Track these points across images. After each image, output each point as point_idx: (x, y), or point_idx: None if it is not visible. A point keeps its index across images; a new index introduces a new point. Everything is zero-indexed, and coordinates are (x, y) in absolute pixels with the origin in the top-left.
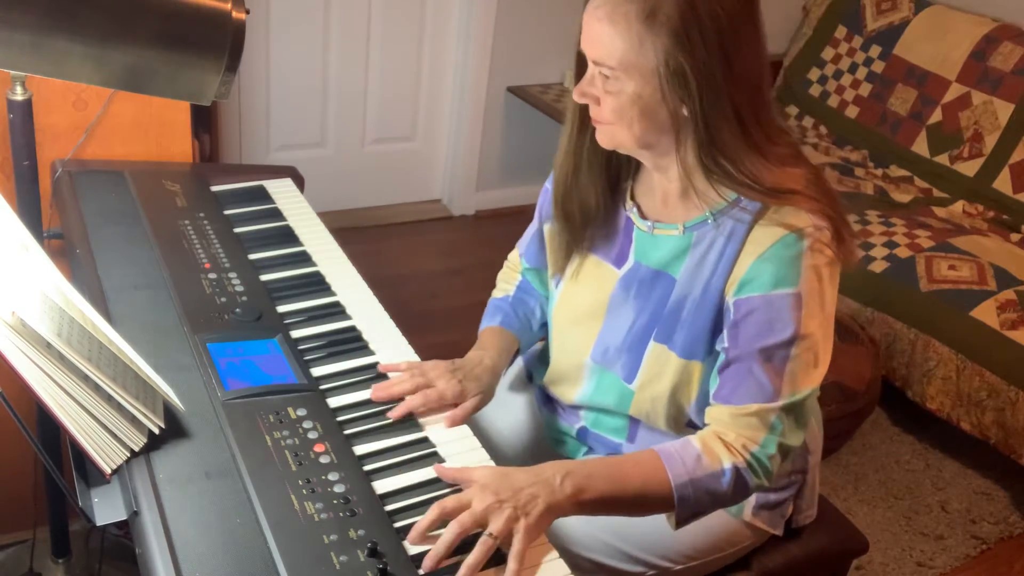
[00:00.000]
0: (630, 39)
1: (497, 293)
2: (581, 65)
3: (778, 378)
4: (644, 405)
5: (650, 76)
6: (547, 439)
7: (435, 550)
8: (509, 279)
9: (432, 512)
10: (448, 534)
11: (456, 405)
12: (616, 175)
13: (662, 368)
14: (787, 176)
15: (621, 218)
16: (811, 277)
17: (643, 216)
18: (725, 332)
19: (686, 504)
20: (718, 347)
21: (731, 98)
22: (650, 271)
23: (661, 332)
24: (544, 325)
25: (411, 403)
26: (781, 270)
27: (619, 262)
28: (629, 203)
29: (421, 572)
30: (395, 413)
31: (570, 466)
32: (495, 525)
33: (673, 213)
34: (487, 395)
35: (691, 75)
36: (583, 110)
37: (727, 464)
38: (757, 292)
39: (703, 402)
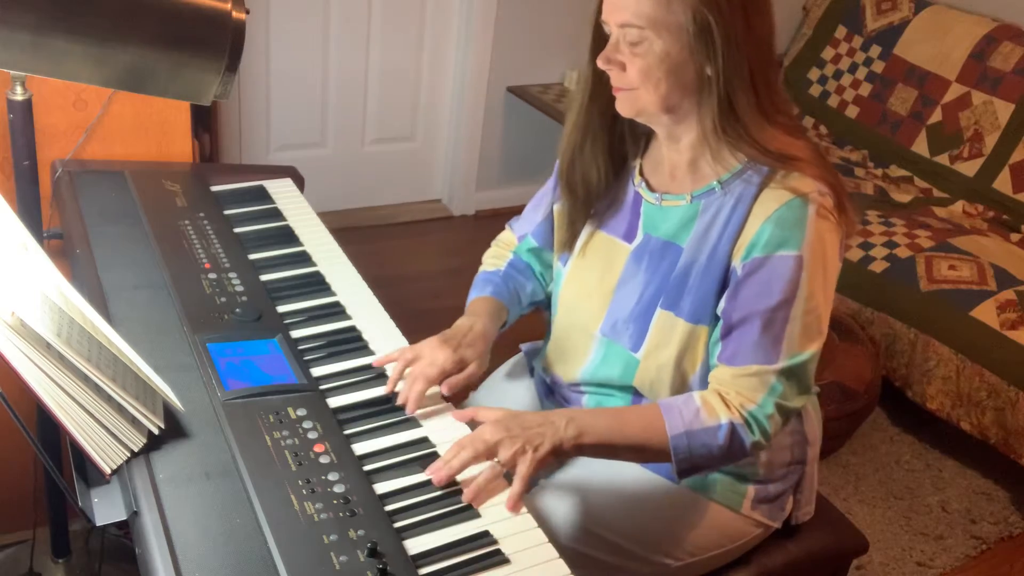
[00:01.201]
0: None
1: (486, 267)
2: (598, 39)
3: (778, 340)
4: (649, 374)
5: (678, 33)
6: None
7: (448, 466)
8: (499, 256)
9: (452, 449)
10: (462, 455)
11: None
12: (621, 155)
13: (669, 335)
14: (791, 145)
15: (629, 194)
16: (814, 241)
17: (651, 190)
18: (726, 293)
19: (680, 455)
20: (718, 311)
21: (748, 59)
22: (660, 242)
23: (668, 299)
24: (532, 303)
25: (416, 391)
26: (785, 232)
27: (629, 237)
28: (638, 179)
29: (433, 479)
30: (409, 409)
31: (575, 413)
32: (503, 455)
33: (681, 185)
34: (483, 362)
35: (716, 31)
36: (596, 81)
37: (724, 420)
38: (761, 254)
39: (707, 370)
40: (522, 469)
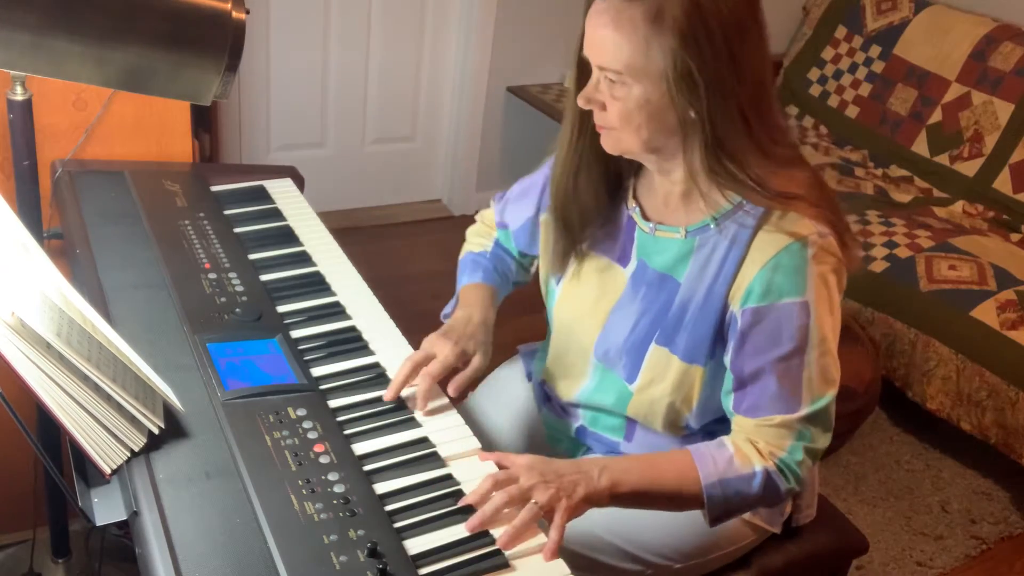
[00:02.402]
0: (637, 43)
1: (473, 247)
2: (583, 70)
3: (796, 388)
4: (642, 407)
5: (658, 79)
6: (545, 439)
7: (482, 513)
8: (485, 234)
9: (486, 482)
10: (496, 500)
11: (459, 369)
12: (617, 175)
13: (663, 371)
14: (790, 179)
15: (623, 216)
16: (818, 285)
17: (645, 217)
18: (732, 343)
19: (715, 503)
20: (726, 361)
21: (737, 98)
22: (656, 274)
23: (663, 335)
24: (516, 283)
25: (421, 389)
26: (788, 279)
27: (623, 260)
28: (631, 202)
29: (466, 528)
30: (419, 405)
31: (607, 461)
32: (541, 498)
33: (675, 215)
34: (486, 353)
35: (699, 76)
36: (582, 115)
37: (758, 467)
38: (764, 302)
39: (703, 408)
40: (558, 520)
